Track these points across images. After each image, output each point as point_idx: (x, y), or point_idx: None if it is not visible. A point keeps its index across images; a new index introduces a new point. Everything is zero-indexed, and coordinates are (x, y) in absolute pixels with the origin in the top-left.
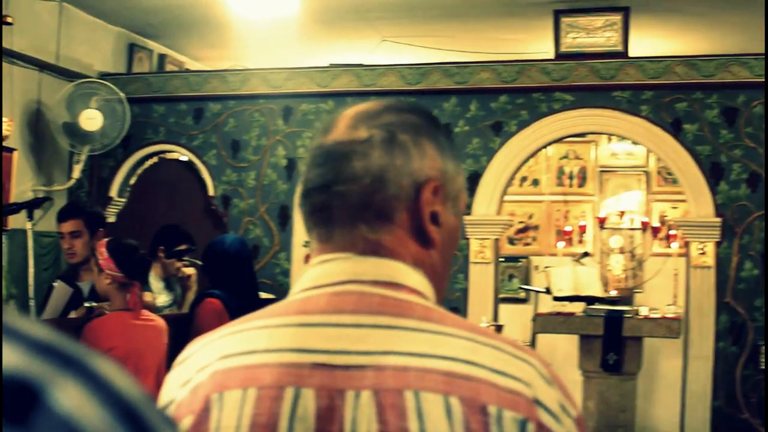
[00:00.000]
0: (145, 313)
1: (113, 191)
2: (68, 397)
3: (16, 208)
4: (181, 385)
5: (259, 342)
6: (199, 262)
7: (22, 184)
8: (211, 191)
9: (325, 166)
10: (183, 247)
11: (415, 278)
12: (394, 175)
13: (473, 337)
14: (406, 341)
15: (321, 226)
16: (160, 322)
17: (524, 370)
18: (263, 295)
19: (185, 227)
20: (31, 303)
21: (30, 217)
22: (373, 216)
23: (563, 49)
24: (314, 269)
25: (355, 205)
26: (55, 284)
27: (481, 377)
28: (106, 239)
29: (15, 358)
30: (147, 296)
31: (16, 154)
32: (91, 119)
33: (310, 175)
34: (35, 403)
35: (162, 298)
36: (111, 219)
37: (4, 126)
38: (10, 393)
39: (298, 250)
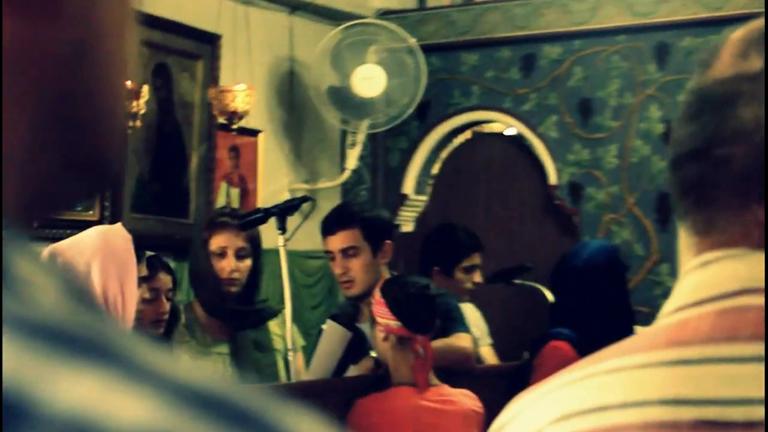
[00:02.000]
0: (442, 391)
1: (407, 186)
2: None
3: (263, 216)
4: None
5: (613, 392)
6: (541, 288)
7: (274, 181)
8: (552, 177)
9: (700, 120)
10: (475, 260)
11: None
12: None
13: None
14: None
15: (697, 210)
16: (467, 404)
17: None
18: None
19: (469, 228)
20: (290, 356)
21: (281, 228)
22: None
23: None
24: (691, 276)
25: (743, 176)
26: (324, 327)
27: None
28: (386, 277)
29: (149, 414)
30: (461, 339)
31: (262, 138)
32: (370, 80)
33: (680, 133)
34: None
35: None
36: (406, 227)
37: (242, 97)
38: None
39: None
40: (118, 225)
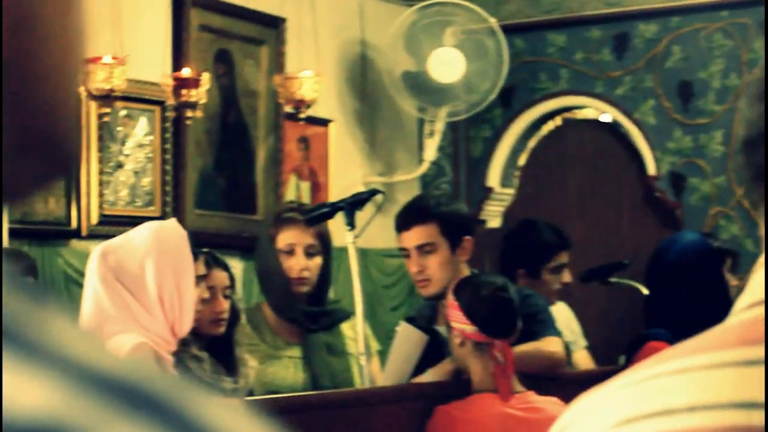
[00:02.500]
0: (528, 398)
1: (492, 178)
2: None
3: (329, 211)
4: None
5: (678, 394)
6: (639, 286)
7: (347, 174)
8: (651, 168)
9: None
10: (563, 259)
11: None
12: None
13: None
14: None
15: None
16: (555, 412)
17: None
18: None
19: (553, 224)
20: (362, 361)
21: (350, 224)
22: None
23: None
24: (764, 270)
25: None
26: (398, 329)
27: None
28: (462, 276)
29: (45, 398)
30: (550, 343)
31: (333, 128)
32: (448, 64)
33: (751, 113)
34: None
35: None
36: (493, 222)
37: (309, 84)
38: None
39: None
40: (172, 221)
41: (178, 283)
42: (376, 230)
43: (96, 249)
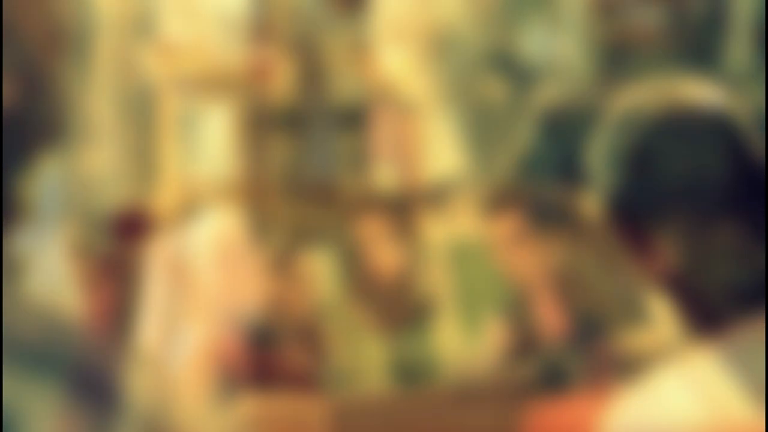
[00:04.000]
0: None
1: None
2: None
3: None
4: None
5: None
6: None
7: (435, 160)
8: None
9: None
10: None
11: None
12: None
13: None
14: None
15: None
16: None
17: None
18: None
19: None
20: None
21: None
22: None
23: None
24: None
25: None
26: None
27: None
28: None
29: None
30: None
31: (417, 112)
32: (540, 44)
33: None
34: None
35: None
36: None
37: (392, 65)
38: None
39: None
40: (232, 213)
41: (238, 276)
42: None
43: (153, 246)
